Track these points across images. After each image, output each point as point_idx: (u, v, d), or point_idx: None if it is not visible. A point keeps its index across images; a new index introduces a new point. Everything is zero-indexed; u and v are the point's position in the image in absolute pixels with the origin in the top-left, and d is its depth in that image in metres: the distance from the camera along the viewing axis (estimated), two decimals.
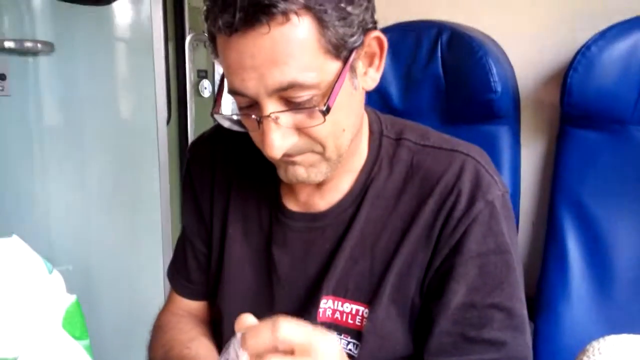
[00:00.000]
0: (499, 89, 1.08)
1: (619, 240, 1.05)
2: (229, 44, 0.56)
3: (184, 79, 1.97)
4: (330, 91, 0.57)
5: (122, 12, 1.68)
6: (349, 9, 0.56)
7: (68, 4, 1.51)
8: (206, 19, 0.57)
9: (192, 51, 1.98)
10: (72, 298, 0.63)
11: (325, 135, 0.61)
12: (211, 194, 0.79)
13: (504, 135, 1.14)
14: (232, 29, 0.54)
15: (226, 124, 0.66)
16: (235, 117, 0.66)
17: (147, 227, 1.74)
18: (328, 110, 0.57)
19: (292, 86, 0.56)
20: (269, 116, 0.58)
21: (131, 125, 1.78)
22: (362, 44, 0.60)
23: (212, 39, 0.60)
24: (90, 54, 1.61)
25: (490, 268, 0.66)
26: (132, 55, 1.75)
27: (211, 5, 0.56)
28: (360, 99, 0.65)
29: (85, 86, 1.61)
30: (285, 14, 0.53)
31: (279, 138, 0.59)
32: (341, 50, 0.57)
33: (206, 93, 2.07)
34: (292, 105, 0.58)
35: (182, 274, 0.85)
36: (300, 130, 0.60)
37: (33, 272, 0.60)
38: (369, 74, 0.64)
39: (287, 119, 0.59)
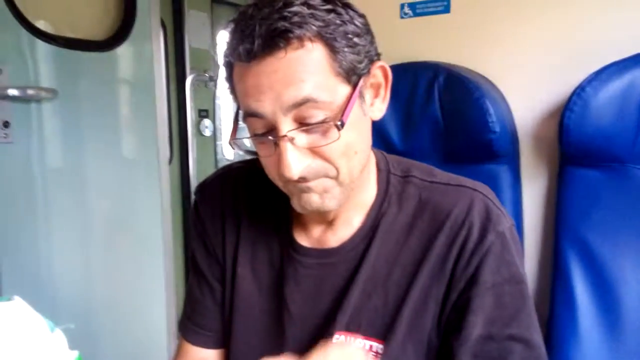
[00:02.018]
0: (497, 129, 1.09)
1: (626, 279, 1.03)
2: (248, 69, 0.60)
3: (185, 119, 2.00)
4: (343, 110, 0.61)
5: (124, 55, 1.71)
6: (356, 39, 0.61)
7: (71, 51, 1.54)
8: (226, 51, 0.62)
9: (193, 91, 2.02)
10: (75, 354, 0.63)
11: (339, 155, 0.63)
12: (223, 234, 0.80)
13: (504, 174, 1.14)
14: (252, 56, 0.58)
15: (241, 151, 0.69)
16: (249, 145, 0.69)
17: (149, 271, 1.72)
18: (342, 124, 0.60)
19: (306, 101, 0.59)
20: (285, 136, 0.60)
21: (134, 165, 1.78)
22: (368, 72, 0.64)
23: (229, 71, 0.64)
24: (93, 97, 1.63)
25: (505, 298, 0.67)
26: (134, 96, 1.77)
27: (230, 37, 0.61)
28: (369, 126, 0.68)
29: (88, 130, 1.62)
30: (300, 39, 0.57)
31: (295, 158, 0.61)
32: (351, 75, 0.61)
33: (207, 132, 2.09)
34: (306, 126, 0.61)
35: (197, 321, 0.84)
36: (315, 152, 0.62)
37: (35, 333, 0.60)
38: (376, 104, 0.68)
39: (303, 139, 0.61)
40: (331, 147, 0.61)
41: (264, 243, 0.77)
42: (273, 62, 0.58)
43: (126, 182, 1.74)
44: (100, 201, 1.67)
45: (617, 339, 1.02)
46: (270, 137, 0.61)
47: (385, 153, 0.78)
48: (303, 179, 0.63)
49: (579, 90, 1.02)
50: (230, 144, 0.67)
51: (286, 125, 0.60)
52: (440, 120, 1.14)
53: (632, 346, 1.02)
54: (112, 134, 1.72)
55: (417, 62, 1.21)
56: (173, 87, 1.97)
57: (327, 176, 0.64)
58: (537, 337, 0.68)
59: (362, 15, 0.63)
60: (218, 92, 2.07)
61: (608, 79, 1.01)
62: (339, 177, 0.64)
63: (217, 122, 2.15)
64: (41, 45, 1.50)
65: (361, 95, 0.64)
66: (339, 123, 0.59)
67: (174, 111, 1.97)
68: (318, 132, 0.61)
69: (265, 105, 0.59)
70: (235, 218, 0.79)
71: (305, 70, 0.58)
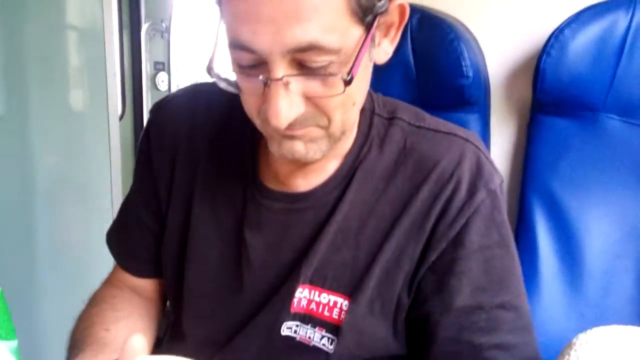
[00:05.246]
0: (471, 74, 1.04)
1: (590, 231, 1.02)
2: None
3: (139, 71, 1.88)
4: (353, 59, 0.51)
5: None
6: None
7: None
8: None
9: (149, 41, 1.89)
10: (13, 345, 0.54)
11: (335, 106, 0.54)
12: (173, 165, 0.71)
13: (474, 122, 1.10)
14: None
15: (222, 84, 0.56)
16: (229, 78, 0.57)
17: (97, 232, 1.61)
18: (351, 80, 0.51)
19: (311, 48, 0.49)
20: (280, 79, 0.50)
21: (81, 119, 1.66)
22: (386, 10, 0.53)
23: None
24: (36, 42, 1.49)
25: (495, 263, 0.62)
26: (82, 43, 1.63)
27: None
28: (370, 72, 0.59)
29: (30, 77, 1.49)
30: None
31: (286, 106, 0.51)
32: (367, 14, 0.51)
33: (163, 86, 1.99)
34: (306, 70, 0.51)
35: (127, 247, 0.78)
36: (309, 99, 0.53)
37: None
38: (383, 45, 0.58)
39: (299, 85, 0.52)
40: (330, 98, 0.53)
41: (226, 181, 0.69)
42: None
43: (73, 136, 1.62)
44: (43, 155, 1.55)
45: (578, 290, 1.01)
46: (260, 77, 0.51)
47: (371, 90, 0.68)
48: (290, 127, 0.54)
49: (557, 33, 0.98)
50: (208, 72, 0.55)
51: (282, 68, 0.50)
52: (411, 64, 1.09)
53: (592, 297, 1.01)
54: (57, 83, 1.59)
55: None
56: (127, 36, 1.84)
57: (317, 125, 0.56)
58: (526, 304, 0.64)
59: None
60: (175, 44, 1.96)
61: (588, 21, 0.97)
62: (329, 128, 0.56)
63: (173, 76, 2.04)
64: None
65: (372, 39, 0.54)
66: (347, 78, 0.50)
67: (127, 63, 1.85)
68: (318, 78, 0.52)
69: (261, 41, 0.49)
70: (193, 150, 0.70)
71: (317, 4, 0.47)
